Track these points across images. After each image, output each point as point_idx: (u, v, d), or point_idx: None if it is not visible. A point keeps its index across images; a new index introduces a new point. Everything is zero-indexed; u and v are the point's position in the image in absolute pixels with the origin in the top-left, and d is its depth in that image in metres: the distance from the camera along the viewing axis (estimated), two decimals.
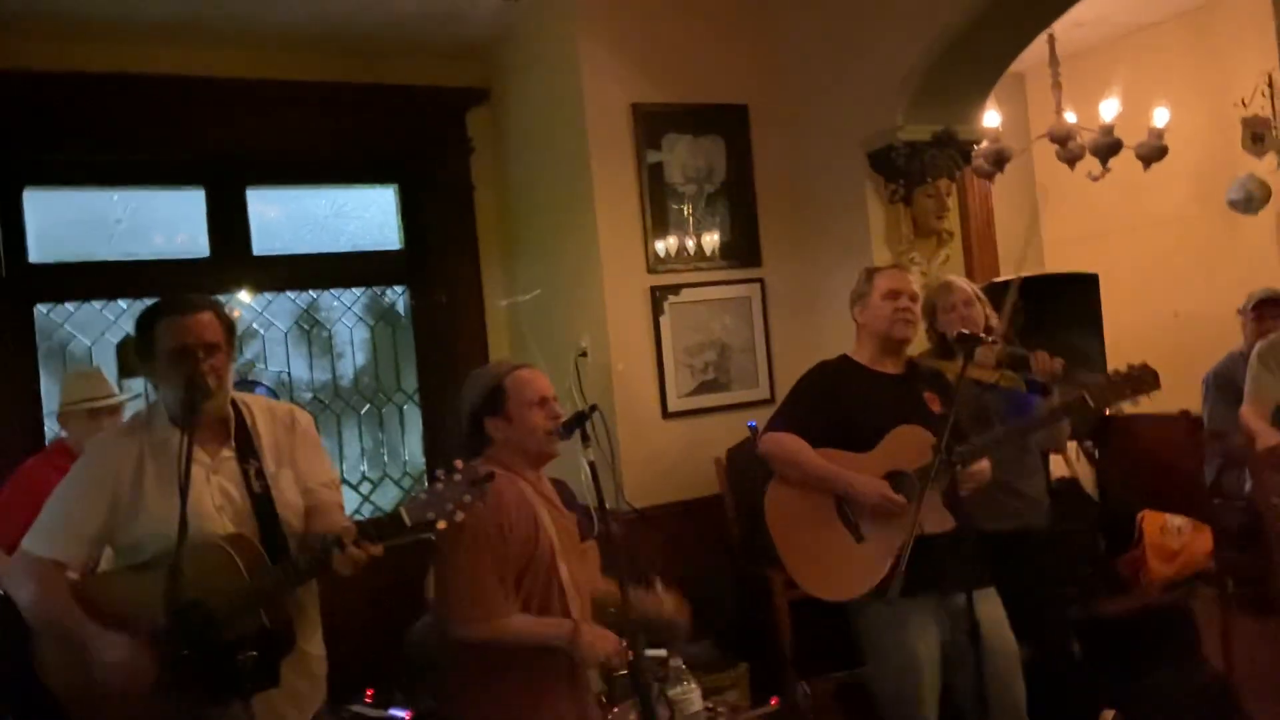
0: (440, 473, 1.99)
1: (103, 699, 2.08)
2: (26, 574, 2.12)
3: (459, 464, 2.00)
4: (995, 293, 3.92)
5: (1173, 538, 4.64)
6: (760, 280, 4.34)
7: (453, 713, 2.41)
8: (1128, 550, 4.72)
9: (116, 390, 3.46)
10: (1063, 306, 4.28)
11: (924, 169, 3.90)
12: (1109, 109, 4.42)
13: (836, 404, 2.76)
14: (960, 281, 3.22)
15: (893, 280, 2.81)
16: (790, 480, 2.78)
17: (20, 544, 2.17)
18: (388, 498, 4.73)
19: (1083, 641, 3.43)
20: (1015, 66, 4.18)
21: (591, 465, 2.24)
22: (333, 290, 4.66)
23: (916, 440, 2.59)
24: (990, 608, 2.64)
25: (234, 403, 2.23)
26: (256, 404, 2.30)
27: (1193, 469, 3.98)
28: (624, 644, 2.23)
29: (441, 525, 1.95)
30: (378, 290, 4.77)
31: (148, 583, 2.00)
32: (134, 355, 2.24)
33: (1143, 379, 2.55)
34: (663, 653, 2.66)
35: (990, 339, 2.90)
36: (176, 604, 1.91)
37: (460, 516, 1.95)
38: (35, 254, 4.08)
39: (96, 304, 4.21)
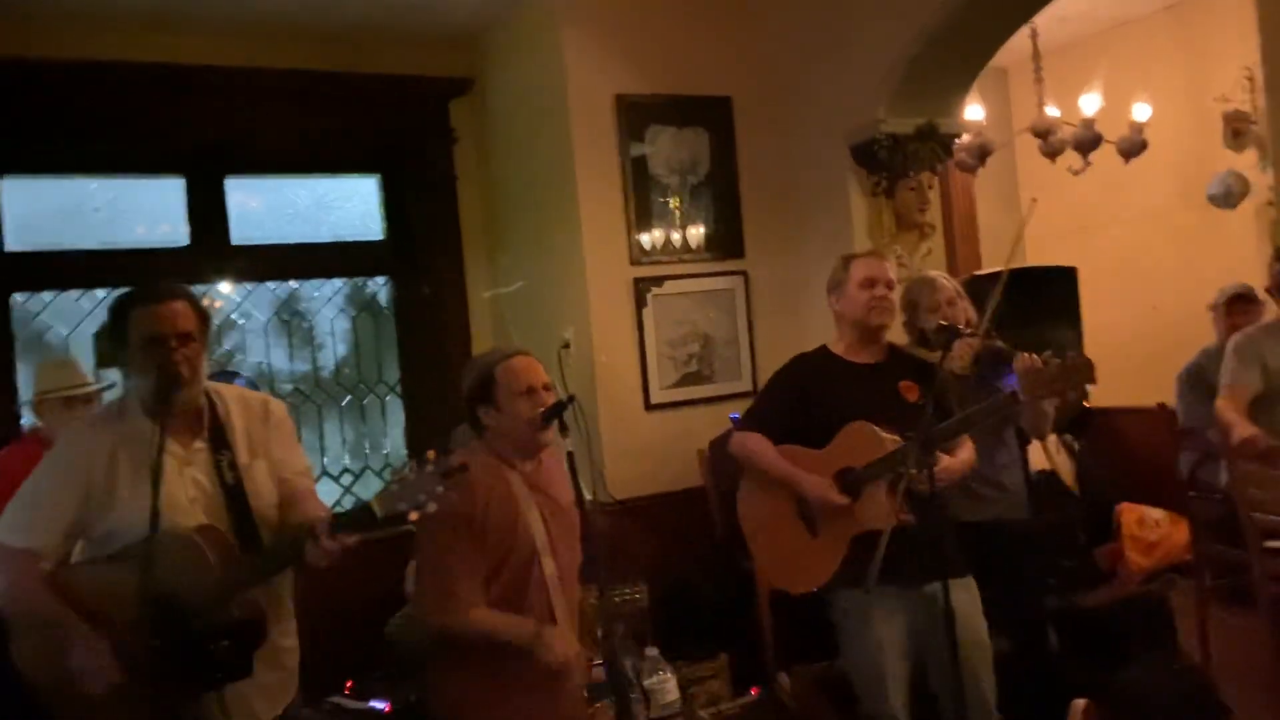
0: (412, 463, 1.97)
1: (77, 690, 2.07)
2: (2, 566, 2.10)
3: (431, 454, 1.98)
4: (983, 285, 3.93)
5: (1151, 530, 4.68)
6: (744, 273, 4.34)
7: (434, 702, 2.40)
8: (1106, 543, 4.76)
9: (92, 380, 3.43)
10: (1042, 300, 4.29)
11: (906, 162, 3.91)
12: (1090, 103, 4.44)
13: (808, 399, 2.77)
14: (943, 279, 3.23)
15: (869, 268, 2.79)
16: (755, 479, 2.84)
17: None
18: (369, 489, 4.70)
19: (1060, 633, 3.46)
20: (998, 60, 4.20)
21: (570, 455, 2.24)
22: (314, 281, 4.64)
23: (865, 436, 2.60)
24: (965, 597, 2.65)
25: (207, 393, 2.21)
26: (230, 394, 2.28)
27: (1169, 462, 4.01)
28: (586, 652, 2.25)
29: (413, 516, 1.94)
30: (359, 281, 4.75)
31: (120, 574, 1.99)
32: (107, 344, 2.21)
33: (1078, 369, 2.52)
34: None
35: (969, 332, 2.90)
36: (148, 596, 1.89)
37: (432, 507, 1.93)
38: (12, 242, 4.03)
39: (74, 293, 4.17)
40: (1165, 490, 4.51)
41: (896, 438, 2.55)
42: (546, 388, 2.42)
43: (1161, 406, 4.11)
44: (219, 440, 2.17)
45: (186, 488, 2.13)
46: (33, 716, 2.16)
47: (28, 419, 3.84)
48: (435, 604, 2.27)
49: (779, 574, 2.87)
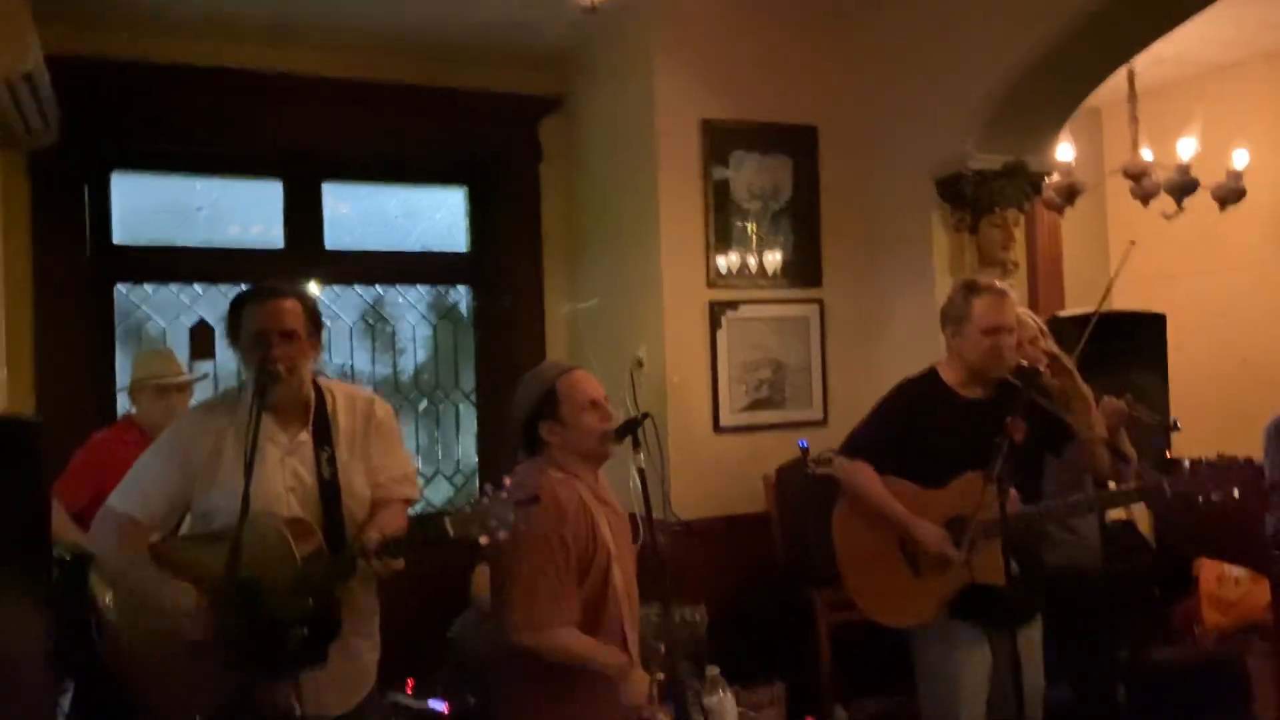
0: (488, 488, 2.04)
1: (159, 667, 2.16)
2: (110, 528, 2.26)
3: (508, 481, 2.05)
4: (1066, 327, 3.87)
5: (1230, 588, 4.52)
6: (820, 301, 4.34)
7: (503, 711, 2.40)
8: (1182, 598, 4.61)
9: (186, 370, 3.58)
10: (1128, 345, 4.20)
11: (992, 199, 3.87)
12: (1187, 148, 4.34)
13: (914, 430, 2.75)
14: (1027, 315, 3.18)
15: (995, 314, 2.69)
16: (855, 505, 2.82)
17: (105, 503, 2.30)
18: (440, 494, 4.81)
19: (1129, 687, 3.37)
20: (1092, 100, 4.14)
21: (641, 473, 2.26)
22: (399, 287, 4.77)
23: (985, 491, 2.56)
24: (1030, 640, 2.64)
25: (318, 388, 2.31)
26: (340, 391, 2.38)
27: (1254, 519, 3.87)
28: (656, 675, 2.26)
29: (483, 540, 2.01)
30: (442, 289, 4.87)
31: (214, 552, 2.08)
32: (226, 336, 2.34)
33: (1227, 475, 2.53)
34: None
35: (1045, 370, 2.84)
36: (231, 578, 1.98)
37: (503, 534, 2.01)
38: (119, 236, 4.24)
39: (174, 287, 4.36)
40: (1248, 547, 4.35)
41: (1016, 496, 2.54)
42: (606, 399, 2.43)
43: (1247, 461, 3.97)
44: (322, 435, 2.26)
45: (285, 477, 2.22)
46: (118, 697, 2.27)
47: (124, 405, 4.03)
48: (525, 623, 2.25)
49: (872, 604, 2.81)
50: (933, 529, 2.63)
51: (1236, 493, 2.52)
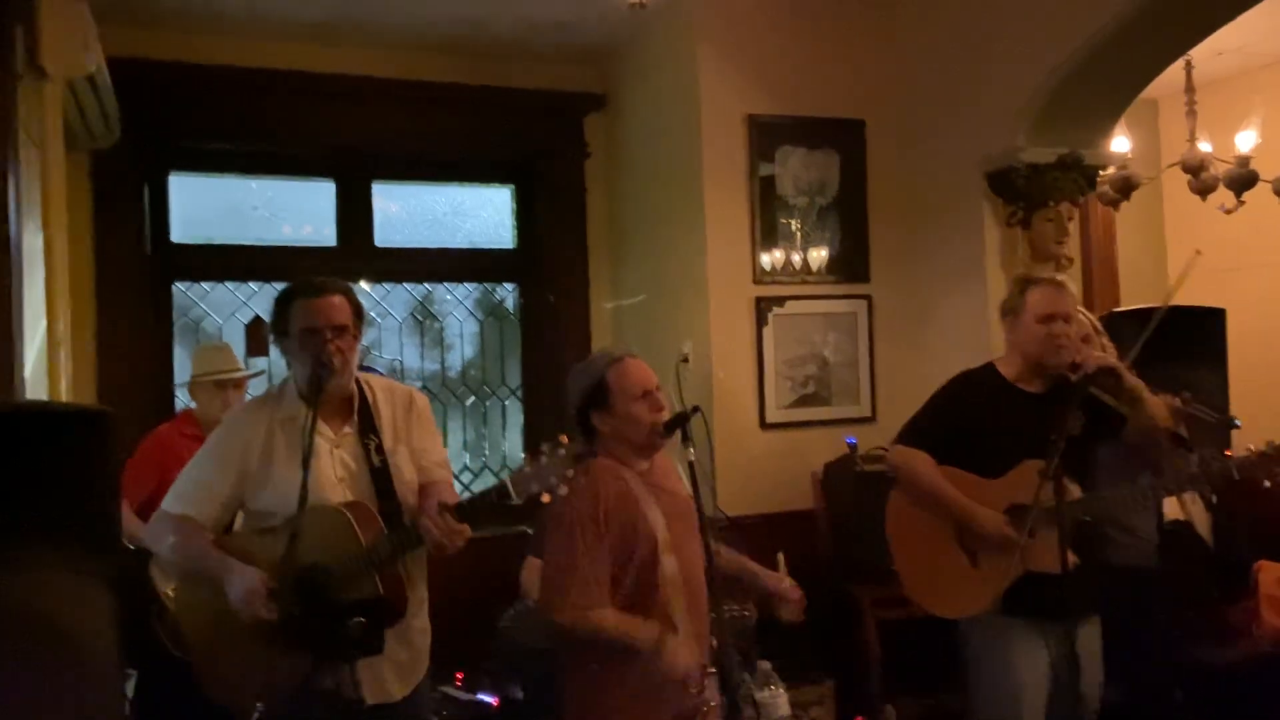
0: (545, 446, 2.05)
1: (219, 655, 2.22)
2: (166, 528, 2.30)
3: (564, 439, 2.07)
4: (1122, 322, 3.81)
5: None
6: (868, 297, 4.31)
7: (564, 697, 2.39)
8: (1241, 600, 4.50)
9: (243, 366, 3.65)
10: (1186, 341, 4.11)
11: (1045, 192, 3.81)
12: (1246, 140, 4.24)
13: (972, 422, 2.72)
14: (1081, 313, 3.13)
15: (1049, 302, 2.67)
16: (910, 495, 2.79)
17: (160, 504, 2.35)
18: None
19: (1186, 689, 3.30)
20: (1149, 93, 4.06)
21: (691, 466, 2.26)
22: (447, 284, 4.82)
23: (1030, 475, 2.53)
24: (1090, 638, 2.61)
25: (358, 382, 2.35)
26: (378, 384, 2.43)
27: None
28: (705, 664, 2.22)
29: (545, 498, 2.02)
30: (489, 286, 4.92)
31: (272, 544, 2.13)
32: (271, 331, 2.38)
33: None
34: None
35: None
36: (294, 566, 2.02)
37: (563, 490, 2.02)
38: (177, 234, 4.34)
39: (230, 285, 4.45)
40: None
41: (1076, 486, 2.53)
42: (658, 389, 2.41)
43: None
44: (367, 426, 2.31)
45: (336, 468, 2.27)
46: (180, 683, 2.32)
47: (182, 400, 4.12)
48: (559, 603, 2.28)
49: (925, 594, 2.78)
50: (993, 514, 2.60)
51: None
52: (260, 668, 2.10)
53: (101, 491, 1.48)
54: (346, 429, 2.31)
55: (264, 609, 2.07)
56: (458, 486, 4.71)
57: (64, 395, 2.91)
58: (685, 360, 4.15)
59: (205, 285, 4.42)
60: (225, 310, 4.44)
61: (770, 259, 4.16)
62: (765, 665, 2.62)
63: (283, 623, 2.06)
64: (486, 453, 4.89)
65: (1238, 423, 3.75)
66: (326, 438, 2.27)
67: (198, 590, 2.25)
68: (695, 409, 2.33)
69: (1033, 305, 2.68)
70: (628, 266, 4.74)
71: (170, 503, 2.31)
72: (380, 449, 2.29)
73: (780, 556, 3.24)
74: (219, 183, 4.51)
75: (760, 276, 4.16)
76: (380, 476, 2.26)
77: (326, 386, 2.19)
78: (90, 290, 3.99)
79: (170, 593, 2.54)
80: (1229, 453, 4.70)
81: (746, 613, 3.20)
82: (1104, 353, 2.93)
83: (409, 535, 2.16)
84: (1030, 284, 2.74)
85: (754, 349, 4.14)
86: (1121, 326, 3.94)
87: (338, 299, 2.29)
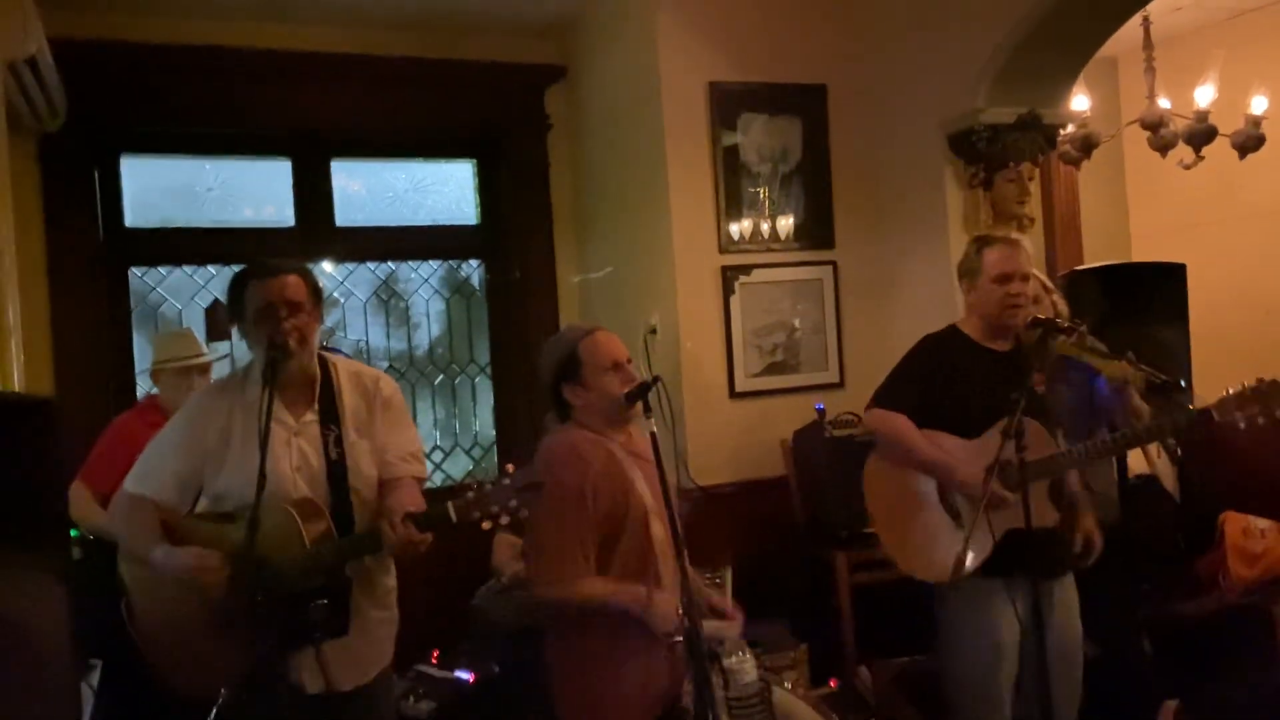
0: (491, 478, 2.09)
1: (181, 643, 2.19)
2: (123, 509, 2.30)
3: (510, 468, 2.07)
4: (1084, 280, 3.82)
5: (1255, 540, 4.48)
6: (833, 263, 4.30)
7: (553, 670, 2.39)
8: (1208, 552, 4.58)
9: (205, 350, 3.60)
10: (1148, 298, 4.14)
11: (1006, 153, 3.81)
12: (1204, 95, 4.25)
13: (942, 382, 2.72)
14: (1032, 274, 3.13)
15: (1004, 262, 2.69)
16: (893, 459, 2.78)
17: (121, 486, 2.33)
18: (459, 467, 4.84)
19: (1154, 641, 3.35)
20: (1108, 50, 4.05)
21: (653, 436, 2.25)
22: (411, 262, 4.77)
23: (1031, 435, 2.54)
24: (1067, 594, 2.67)
25: (323, 364, 2.31)
26: (344, 368, 2.37)
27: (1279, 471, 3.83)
28: (681, 615, 2.23)
29: (485, 526, 2.03)
30: (454, 264, 4.87)
31: (226, 532, 2.10)
32: (227, 316, 2.34)
33: (1272, 395, 2.43)
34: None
35: (1066, 324, 2.82)
36: (247, 557, 1.99)
37: (505, 520, 2.03)
38: (131, 219, 4.26)
39: (187, 269, 4.38)
40: (1274, 500, 4.32)
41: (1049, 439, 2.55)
42: (629, 361, 2.42)
43: None
44: (329, 414, 2.26)
45: (292, 457, 2.23)
46: (146, 677, 2.30)
47: (144, 387, 4.06)
48: (547, 576, 2.28)
49: (910, 558, 2.75)
50: (977, 472, 2.59)
51: None
52: (221, 656, 2.07)
53: (46, 482, 1.45)
54: (308, 416, 2.27)
55: (213, 585, 2.07)
56: (429, 466, 4.73)
57: (17, 386, 2.86)
58: (653, 332, 4.14)
59: (162, 270, 4.34)
60: (184, 295, 4.36)
61: (738, 227, 4.15)
62: (732, 632, 2.62)
63: (244, 609, 2.03)
64: (457, 431, 4.86)
65: (1184, 384, 3.78)
66: (286, 425, 2.22)
67: (155, 579, 2.22)
68: (656, 379, 2.32)
69: (989, 265, 2.70)
70: (593, 240, 4.71)
71: (129, 482, 2.29)
72: (339, 441, 2.24)
73: (727, 572, 3.24)
74: (172, 165, 4.42)
75: (726, 246, 4.14)
76: (336, 470, 2.22)
77: (282, 368, 2.15)
78: (43, 278, 3.91)
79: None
80: (1192, 405, 4.78)
81: (718, 580, 3.21)
82: (1055, 312, 2.95)
83: (367, 541, 2.15)
84: (985, 244, 2.75)
85: (722, 319, 4.13)
86: (1085, 285, 3.97)
87: (292, 279, 2.25)
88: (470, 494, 2.07)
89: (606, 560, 2.31)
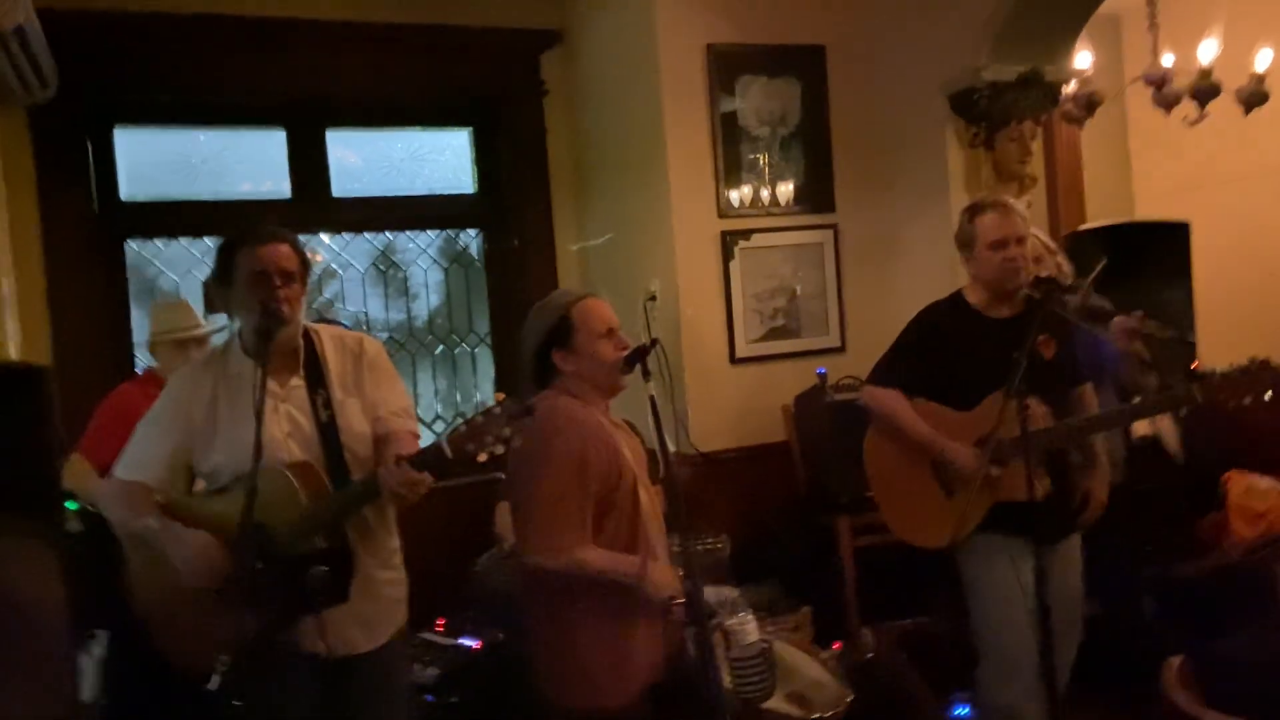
0: (483, 407, 2.03)
1: (179, 617, 2.19)
2: (116, 495, 2.28)
3: (499, 397, 2.04)
4: (1086, 240, 3.79)
5: (1258, 499, 4.47)
6: (833, 226, 4.27)
7: (547, 642, 2.37)
8: (1211, 512, 4.58)
9: (203, 322, 3.58)
10: (1151, 257, 4.11)
11: (1007, 111, 3.77)
12: (1208, 50, 4.18)
13: (942, 354, 2.73)
14: (1034, 234, 3.10)
15: (998, 227, 2.67)
16: (885, 431, 2.81)
17: (111, 473, 2.32)
18: None
19: (1157, 600, 3.36)
20: (1110, 8, 4.01)
21: (652, 399, 2.23)
22: (408, 232, 4.74)
23: (1013, 409, 2.52)
24: (1072, 553, 2.69)
25: (306, 333, 2.29)
26: (327, 333, 2.36)
27: None
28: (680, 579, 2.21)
29: (481, 457, 1.99)
30: (452, 233, 4.83)
31: (224, 505, 2.10)
32: (214, 284, 2.31)
33: (1260, 378, 2.43)
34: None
35: (1069, 283, 2.81)
36: (245, 524, 1.98)
37: (499, 449, 1.99)
38: (126, 191, 4.22)
39: (184, 241, 4.35)
40: (1277, 459, 4.31)
41: (1047, 411, 2.54)
42: (619, 328, 2.38)
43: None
44: (315, 378, 2.25)
45: (282, 423, 2.22)
46: (147, 656, 2.30)
47: (142, 360, 4.05)
48: (542, 545, 2.24)
49: (906, 527, 2.83)
50: (963, 449, 2.63)
51: (1269, 396, 2.45)
52: (222, 627, 2.07)
53: (38, 450, 1.45)
54: (294, 382, 2.25)
55: (213, 569, 2.06)
56: (430, 436, 4.73)
57: (14, 357, 2.85)
58: (653, 298, 4.10)
59: (159, 243, 4.32)
60: (181, 267, 4.34)
61: (738, 192, 4.11)
62: (732, 593, 2.63)
63: (242, 577, 2.02)
64: (459, 401, 4.86)
65: (1191, 339, 3.77)
66: (272, 392, 2.19)
67: (150, 552, 2.21)
68: (654, 342, 2.29)
69: (983, 232, 2.68)
70: (592, 207, 4.67)
71: (119, 469, 2.28)
72: (328, 403, 2.23)
73: (725, 539, 3.24)
74: (166, 137, 4.38)
75: (725, 210, 4.11)
76: (328, 431, 2.21)
77: (275, 336, 2.13)
78: (38, 252, 3.88)
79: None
80: (1196, 365, 4.76)
81: (720, 545, 3.22)
82: (1058, 271, 2.92)
83: (364, 489, 2.13)
84: (977, 211, 2.73)
85: (722, 284, 4.11)
86: (1087, 244, 3.94)
87: (285, 247, 2.23)
88: (463, 427, 2.03)
89: (598, 528, 2.28)
